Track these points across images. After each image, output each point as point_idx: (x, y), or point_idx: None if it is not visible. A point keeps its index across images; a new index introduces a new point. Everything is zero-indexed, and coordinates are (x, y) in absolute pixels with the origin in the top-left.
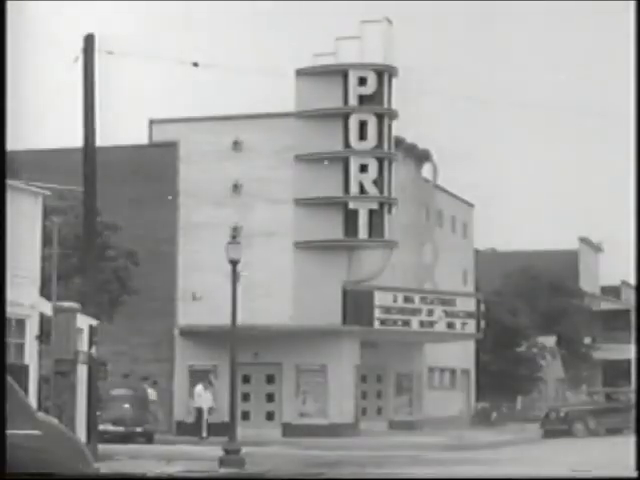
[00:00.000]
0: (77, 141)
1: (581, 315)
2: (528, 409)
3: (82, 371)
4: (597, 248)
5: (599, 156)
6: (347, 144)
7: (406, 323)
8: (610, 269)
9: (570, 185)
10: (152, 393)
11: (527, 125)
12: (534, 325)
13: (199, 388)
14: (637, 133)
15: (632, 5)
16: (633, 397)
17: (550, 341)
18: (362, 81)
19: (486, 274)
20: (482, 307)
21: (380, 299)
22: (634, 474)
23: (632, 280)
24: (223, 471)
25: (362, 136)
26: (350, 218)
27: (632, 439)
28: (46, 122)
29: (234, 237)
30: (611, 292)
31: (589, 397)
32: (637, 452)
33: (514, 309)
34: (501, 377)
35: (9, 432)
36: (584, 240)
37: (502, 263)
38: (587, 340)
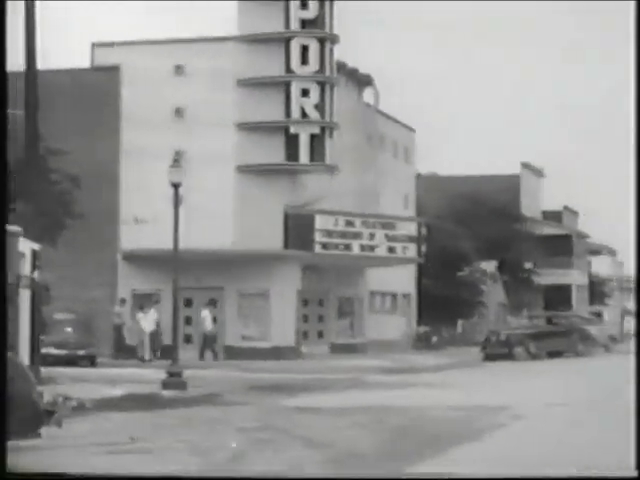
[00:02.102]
0: (19, 65)
1: (522, 240)
2: (469, 333)
3: (25, 295)
4: (539, 173)
5: (544, 79)
6: (289, 68)
7: (347, 247)
8: (552, 194)
9: (514, 109)
10: (153, 313)
11: (470, 47)
12: (476, 250)
13: (205, 312)
14: (637, 133)
15: (632, 5)
16: (574, 321)
17: (491, 266)
18: (304, 5)
19: (428, 198)
20: (423, 231)
21: (321, 223)
22: (634, 474)
23: (574, 205)
24: (166, 393)
25: (304, 60)
26: (291, 142)
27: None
28: None
29: (176, 161)
30: (553, 217)
31: (530, 321)
32: (637, 451)
33: (456, 234)
34: (442, 301)
35: None
36: (526, 165)
37: (444, 187)
38: (528, 265)
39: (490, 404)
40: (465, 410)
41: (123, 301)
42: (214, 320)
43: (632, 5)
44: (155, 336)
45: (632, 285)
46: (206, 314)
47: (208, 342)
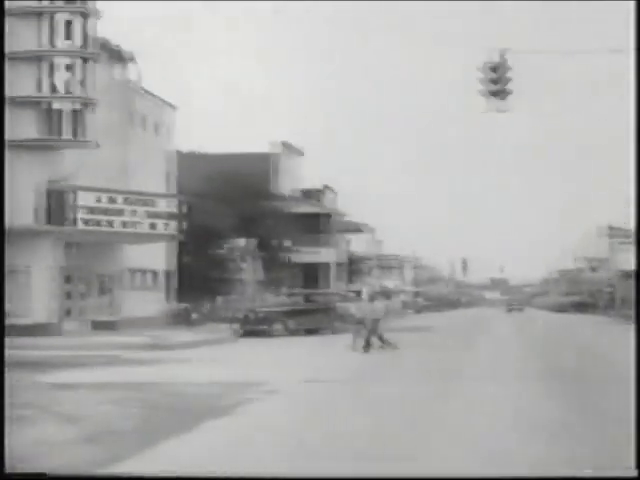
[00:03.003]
0: None
1: (281, 218)
2: (228, 310)
3: None
4: (299, 151)
5: (298, 59)
6: (52, 43)
7: (109, 224)
8: (312, 173)
9: (274, 89)
10: None
11: (230, 24)
12: (235, 227)
13: None
14: (637, 135)
15: (632, 5)
16: (331, 298)
17: (250, 244)
18: None
19: (189, 176)
20: (184, 209)
21: (83, 199)
22: (634, 473)
23: (333, 184)
24: None
25: (67, 36)
26: (54, 118)
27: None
28: None
29: None
30: (312, 195)
31: (288, 298)
32: (637, 451)
33: (215, 211)
34: (201, 278)
35: None
36: (285, 143)
37: (204, 165)
38: (287, 243)
39: (245, 380)
40: (220, 385)
41: None
42: None
43: (632, 5)
44: None
45: (391, 263)
46: None
47: None
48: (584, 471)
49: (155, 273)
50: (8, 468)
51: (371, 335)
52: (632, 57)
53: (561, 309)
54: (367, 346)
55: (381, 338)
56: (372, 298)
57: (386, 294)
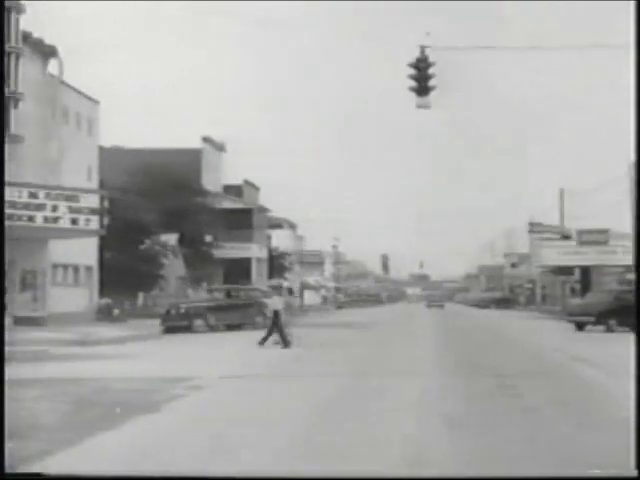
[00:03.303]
0: None
1: (203, 213)
2: (150, 306)
3: None
4: (220, 147)
5: (223, 52)
6: None
7: (31, 219)
8: (233, 168)
9: (185, 82)
10: None
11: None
12: (157, 223)
13: None
14: (637, 135)
15: (632, 5)
16: (253, 294)
17: (172, 239)
18: None
19: (111, 171)
20: (106, 204)
21: (5, 194)
22: (634, 474)
23: (254, 179)
24: None
25: None
26: None
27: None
28: None
29: None
30: (234, 191)
31: (210, 294)
32: (637, 451)
33: (138, 206)
34: (123, 274)
35: None
36: (207, 139)
37: (127, 160)
38: (209, 238)
39: (169, 376)
40: (144, 381)
41: None
42: None
43: (632, 5)
44: None
45: (313, 259)
46: None
47: None
48: (589, 471)
49: (77, 268)
50: (8, 468)
51: (273, 329)
52: (632, 56)
53: (482, 305)
54: (263, 340)
55: (281, 333)
56: (270, 293)
57: (277, 289)
